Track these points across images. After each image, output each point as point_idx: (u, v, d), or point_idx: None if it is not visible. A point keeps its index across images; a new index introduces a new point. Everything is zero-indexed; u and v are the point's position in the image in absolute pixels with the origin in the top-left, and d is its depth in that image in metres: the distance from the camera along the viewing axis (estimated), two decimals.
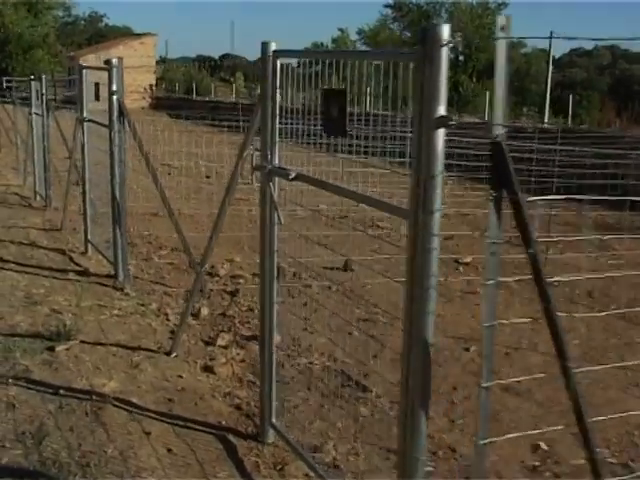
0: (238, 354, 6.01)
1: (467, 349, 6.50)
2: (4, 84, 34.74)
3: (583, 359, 6.31)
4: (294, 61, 4.20)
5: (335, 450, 4.45)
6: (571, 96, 22.03)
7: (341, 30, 57.91)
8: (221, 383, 5.42)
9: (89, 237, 9.03)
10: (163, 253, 9.38)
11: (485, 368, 2.76)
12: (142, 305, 7.06)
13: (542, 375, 4.23)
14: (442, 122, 2.67)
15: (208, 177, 16.27)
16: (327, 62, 3.63)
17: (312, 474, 4.11)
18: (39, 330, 6.15)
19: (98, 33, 68.70)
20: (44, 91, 11.93)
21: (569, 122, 21.08)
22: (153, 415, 4.72)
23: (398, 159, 4.35)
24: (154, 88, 50.87)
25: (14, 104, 19.15)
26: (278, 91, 3.90)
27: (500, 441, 4.89)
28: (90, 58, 41.02)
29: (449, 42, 2.60)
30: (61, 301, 6.98)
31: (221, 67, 67.15)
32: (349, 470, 4.26)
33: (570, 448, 4.79)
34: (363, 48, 54.59)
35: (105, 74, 7.80)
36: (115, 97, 7.43)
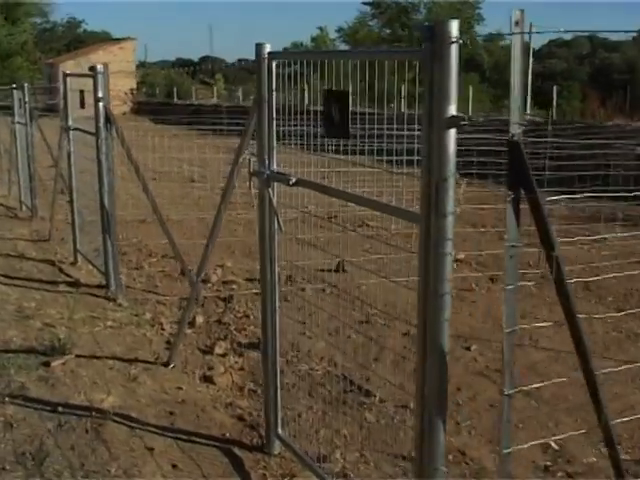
0: (236, 362, 5.90)
1: (468, 348, 6.42)
2: None
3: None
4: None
5: (343, 459, 4.36)
6: (555, 87, 21.94)
7: (320, 29, 57.67)
8: (221, 393, 5.31)
9: (78, 247, 8.88)
10: (153, 260, 9.25)
11: (507, 375, 2.66)
12: (136, 315, 6.93)
13: (563, 380, 4.13)
14: (453, 122, 2.58)
15: (194, 181, 16.15)
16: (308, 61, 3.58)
17: None
18: (33, 345, 6.01)
19: (77, 39, 68.10)
20: (27, 99, 11.76)
21: (554, 113, 21.03)
22: (155, 430, 4.61)
23: (386, 157, 4.30)
24: (135, 93, 50.55)
25: None
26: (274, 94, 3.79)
27: (511, 443, 4.85)
28: (70, 65, 40.65)
29: (459, 39, 2.50)
30: (53, 314, 6.84)
31: (201, 69, 66.83)
32: (359, 479, 4.17)
33: (581, 447, 4.73)
34: (342, 46, 54.47)
35: (88, 81, 7.67)
36: (101, 104, 7.29)
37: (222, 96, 48.83)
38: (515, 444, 4.84)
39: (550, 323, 3.22)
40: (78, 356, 5.79)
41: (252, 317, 7.02)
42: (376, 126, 4.05)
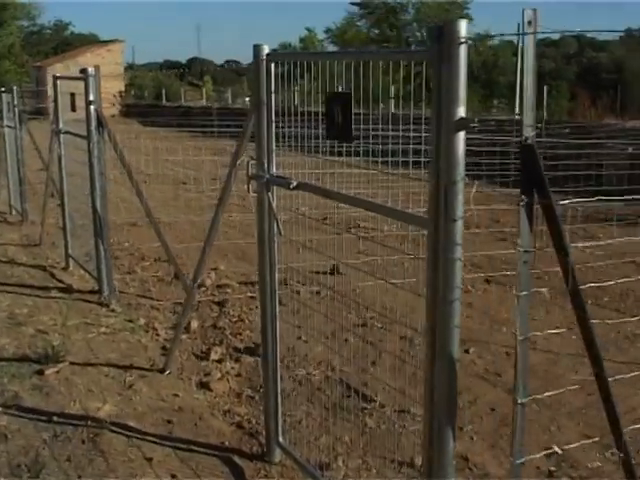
0: (233, 368, 5.82)
1: (466, 351, 6.36)
2: None
3: (584, 355, 6.21)
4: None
5: (346, 466, 4.29)
6: (545, 87, 21.95)
7: (308, 30, 57.65)
8: (219, 400, 5.23)
9: (69, 251, 8.78)
10: (146, 264, 9.15)
11: (520, 382, 2.59)
12: (130, 321, 6.84)
13: (575, 387, 4.06)
14: (462, 124, 2.51)
15: (184, 183, 16.05)
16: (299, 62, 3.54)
17: None
18: (26, 353, 5.91)
19: (64, 41, 67.74)
20: (16, 103, 11.64)
21: (544, 113, 21.03)
22: (153, 439, 4.52)
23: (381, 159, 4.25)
24: (123, 95, 50.35)
25: None
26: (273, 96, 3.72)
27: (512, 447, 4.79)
28: (58, 67, 40.44)
29: (468, 39, 2.44)
30: (46, 320, 6.74)
31: (189, 71, 66.68)
32: None
33: (585, 451, 4.67)
34: (331, 47, 54.44)
35: (78, 83, 7.58)
36: (93, 107, 7.20)
37: (211, 98, 48.73)
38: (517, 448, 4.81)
39: (564, 330, 3.14)
40: (72, 363, 5.70)
41: (247, 321, 6.94)
42: (371, 126, 3.97)
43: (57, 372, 5.50)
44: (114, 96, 45.05)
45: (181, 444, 4.47)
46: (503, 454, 4.66)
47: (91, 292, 7.70)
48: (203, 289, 7.97)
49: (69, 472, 4.10)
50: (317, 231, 7.93)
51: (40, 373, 5.47)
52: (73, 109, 7.87)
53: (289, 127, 3.85)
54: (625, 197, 4.17)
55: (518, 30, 2.23)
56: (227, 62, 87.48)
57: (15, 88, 12.02)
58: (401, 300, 7.33)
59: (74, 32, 73.33)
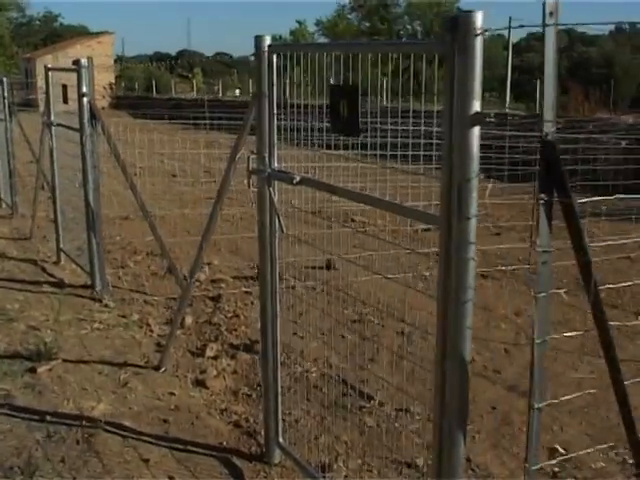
0: (229, 365, 5.72)
1: None
2: None
3: (583, 352, 6.15)
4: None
5: (346, 467, 4.20)
6: (538, 81, 21.82)
7: (299, 22, 57.43)
8: (215, 398, 5.13)
9: (61, 245, 8.65)
10: (138, 259, 9.02)
11: (536, 386, 2.50)
12: (123, 316, 6.72)
13: (592, 391, 3.98)
14: (477, 119, 2.42)
15: (175, 176, 15.90)
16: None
17: None
18: (17, 349, 5.80)
19: (53, 33, 67.31)
20: (6, 94, 11.47)
21: (536, 107, 20.94)
22: (149, 439, 4.42)
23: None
24: (114, 87, 50.04)
25: None
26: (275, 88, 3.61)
27: (515, 447, 4.71)
28: (47, 59, 40.10)
29: (485, 30, 2.34)
30: (38, 316, 6.61)
31: (179, 63, 66.35)
32: None
33: (588, 451, 4.60)
34: (322, 40, 54.25)
35: (70, 75, 7.45)
36: (86, 99, 7.06)
37: (201, 90, 48.53)
38: (519, 448, 4.74)
39: (580, 332, 3.05)
40: (65, 361, 5.59)
41: (242, 317, 6.84)
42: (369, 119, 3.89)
43: (50, 370, 5.39)
44: (104, 88, 44.77)
45: (178, 444, 4.38)
46: (506, 454, 4.60)
47: (83, 287, 7.58)
48: (197, 284, 7.87)
49: (63, 474, 4.00)
50: (310, 225, 7.87)
51: (32, 371, 5.36)
52: (65, 101, 7.73)
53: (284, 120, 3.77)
54: None
55: (543, 21, 2.13)
56: (217, 54, 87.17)
57: (5, 80, 11.84)
58: (396, 295, 7.30)
59: (63, 24, 72.96)
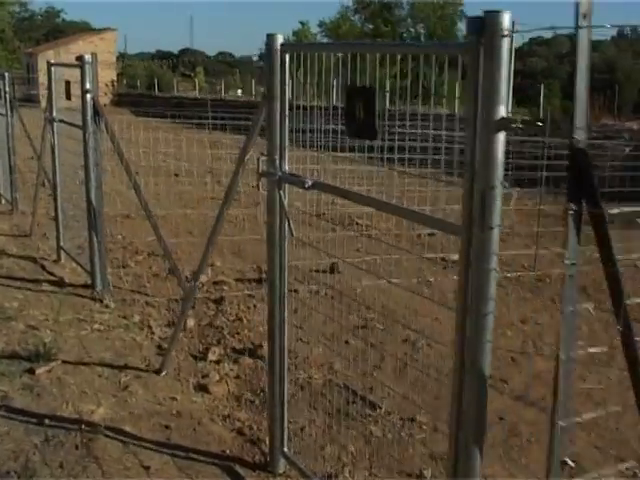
0: (232, 370, 5.61)
1: None
2: None
3: (592, 362, 6.05)
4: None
5: (352, 478, 4.10)
6: (542, 86, 21.78)
7: (302, 23, 57.20)
8: (218, 404, 5.02)
9: (61, 243, 8.54)
10: (140, 259, 8.91)
11: (561, 404, 2.40)
12: (124, 317, 6.61)
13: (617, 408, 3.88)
14: (503, 124, 2.32)
15: (177, 175, 15.80)
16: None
17: None
18: (16, 350, 5.69)
19: (56, 28, 67.19)
20: (7, 89, 11.35)
21: (540, 112, 20.88)
22: (150, 445, 4.31)
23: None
24: (116, 84, 49.93)
25: None
26: (287, 89, 3.51)
27: (524, 458, 4.62)
28: (49, 54, 39.90)
29: (512, 32, 2.24)
30: (37, 315, 6.50)
31: (181, 62, 66.27)
32: None
33: (598, 464, 4.50)
34: (325, 41, 54.11)
35: (73, 71, 7.35)
36: (89, 95, 6.96)
37: (203, 89, 48.45)
38: (528, 459, 4.65)
39: (604, 348, 2.94)
40: (64, 362, 5.48)
41: (245, 320, 6.74)
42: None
43: (49, 371, 5.29)
44: (106, 85, 44.66)
45: (180, 451, 4.27)
46: (514, 466, 4.50)
47: (84, 286, 7.47)
48: (199, 286, 7.76)
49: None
50: (313, 227, 7.77)
51: (31, 372, 5.25)
52: (68, 97, 7.62)
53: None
54: None
55: (576, 23, 2.03)
56: (220, 54, 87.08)
57: (7, 74, 11.73)
58: (402, 301, 7.20)
59: (66, 19, 72.85)
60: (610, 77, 44.61)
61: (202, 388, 5.22)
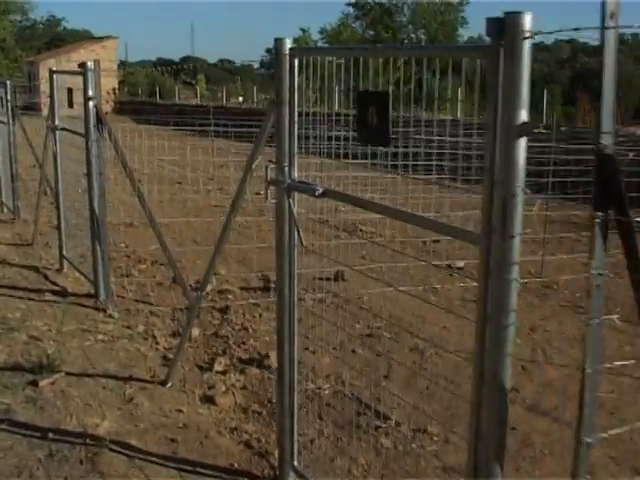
0: (238, 380, 5.52)
1: None
2: None
3: (603, 371, 5.95)
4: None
5: None
6: (545, 91, 21.68)
7: (303, 30, 57.20)
8: (224, 416, 4.93)
9: (64, 252, 8.45)
10: (143, 267, 8.83)
11: (587, 419, 2.30)
12: (128, 328, 6.52)
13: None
14: (525, 130, 2.23)
15: (180, 183, 15.74)
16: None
17: None
18: (19, 361, 5.59)
19: (57, 37, 67.32)
20: (9, 97, 11.29)
21: (543, 118, 20.79)
22: (156, 459, 4.21)
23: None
24: (117, 92, 49.92)
25: None
26: (296, 94, 3.43)
27: (538, 470, 4.52)
28: (50, 63, 39.85)
29: (535, 33, 2.16)
30: (40, 326, 6.41)
31: (182, 70, 66.31)
32: None
33: (613, 475, 4.42)
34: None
35: (75, 79, 7.28)
36: (92, 103, 6.88)
37: (205, 96, 48.45)
38: (542, 472, 4.55)
39: (632, 361, 2.86)
40: (68, 374, 5.38)
41: (251, 330, 6.65)
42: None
43: (52, 383, 5.19)
44: (108, 93, 44.63)
45: (187, 465, 4.17)
46: (528, 478, 4.41)
47: (87, 296, 7.37)
48: (203, 294, 7.67)
49: None
50: (317, 234, 7.68)
51: (34, 384, 5.16)
52: (70, 105, 7.54)
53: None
54: None
55: (602, 24, 1.94)
56: (220, 61, 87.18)
57: (9, 82, 11.66)
58: (409, 308, 7.11)
59: (67, 28, 72.96)
60: None
61: (208, 399, 5.12)
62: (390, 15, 53.25)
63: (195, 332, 6.40)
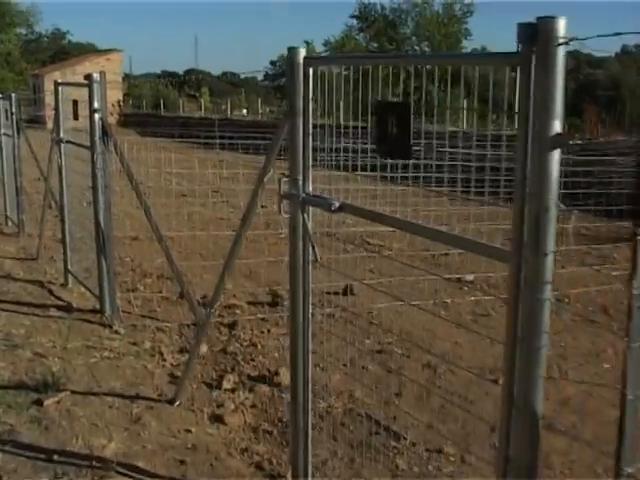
0: (247, 398, 5.39)
1: (495, 381, 5.92)
2: None
3: (617, 386, 5.81)
4: None
5: None
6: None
7: (307, 42, 57.24)
8: (234, 435, 4.79)
9: (69, 267, 8.33)
10: (149, 282, 8.70)
11: (626, 450, 2.17)
12: (134, 344, 6.39)
13: None
14: (558, 142, 2.11)
15: (185, 196, 15.63)
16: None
17: None
18: (23, 379, 5.46)
19: (62, 50, 67.53)
20: (14, 110, 11.20)
21: None
22: None
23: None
24: (122, 105, 49.97)
25: None
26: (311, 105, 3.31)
27: None
28: (55, 76, 39.92)
29: (569, 39, 2.04)
30: (45, 342, 6.28)
31: (186, 82, 66.38)
32: None
33: None
34: None
35: (80, 91, 7.18)
36: (97, 115, 6.78)
37: (209, 109, 48.52)
38: None
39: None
40: (74, 392, 5.25)
41: (260, 346, 6.51)
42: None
43: (57, 402, 5.06)
44: (112, 105, 44.66)
45: None
46: None
47: (92, 311, 7.24)
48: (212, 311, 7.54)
49: None
50: (325, 248, 7.53)
51: (39, 403, 5.02)
52: (75, 117, 7.44)
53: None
54: None
55: None
56: (224, 74, 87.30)
57: (14, 95, 11.58)
58: (420, 323, 6.97)
59: (72, 41, 73.21)
60: (615, 94, 44.51)
61: (217, 419, 4.99)
62: (394, 27, 53.20)
63: (203, 348, 6.25)
